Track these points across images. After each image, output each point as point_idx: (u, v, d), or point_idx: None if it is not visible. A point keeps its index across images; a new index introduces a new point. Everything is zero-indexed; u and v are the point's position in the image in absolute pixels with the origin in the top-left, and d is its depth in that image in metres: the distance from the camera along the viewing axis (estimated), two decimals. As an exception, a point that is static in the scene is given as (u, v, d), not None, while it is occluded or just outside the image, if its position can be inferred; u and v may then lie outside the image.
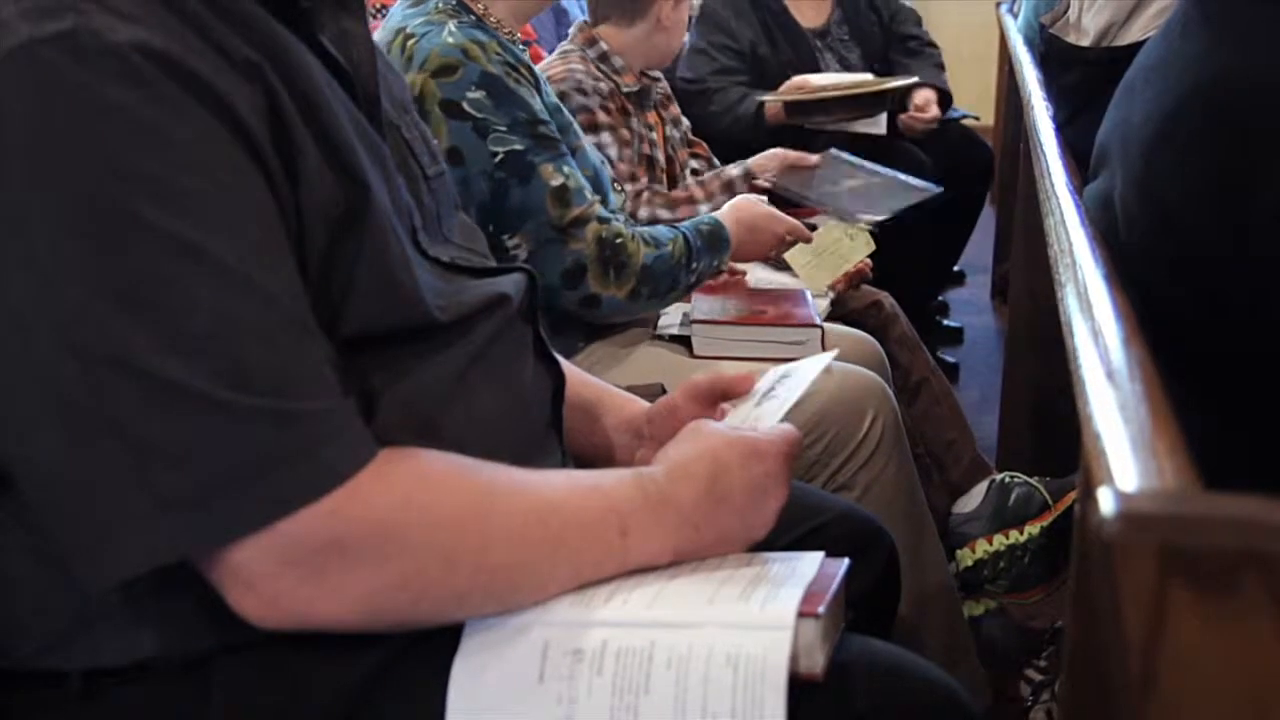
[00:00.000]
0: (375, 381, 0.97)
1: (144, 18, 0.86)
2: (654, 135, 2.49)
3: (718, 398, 1.27)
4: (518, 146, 1.81)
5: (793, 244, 2.25)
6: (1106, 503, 0.64)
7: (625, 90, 2.40)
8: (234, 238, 0.86)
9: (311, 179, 0.92)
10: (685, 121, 2.76)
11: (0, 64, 0.83)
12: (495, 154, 1.80)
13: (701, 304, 2.07)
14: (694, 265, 1.95)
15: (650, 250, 1.87)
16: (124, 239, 0.83)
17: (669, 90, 2.69)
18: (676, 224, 1.98)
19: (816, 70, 3.33)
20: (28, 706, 0.96)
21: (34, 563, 0.92)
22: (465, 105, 1.80)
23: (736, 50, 3.26)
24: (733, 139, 3.00)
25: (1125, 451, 0.75)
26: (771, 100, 3.12)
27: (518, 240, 1.83)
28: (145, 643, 0.93)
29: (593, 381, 1.35)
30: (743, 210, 2.11)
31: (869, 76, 3.23)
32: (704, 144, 2.81)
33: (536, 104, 1.85)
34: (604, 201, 1.95)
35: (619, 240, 1.84)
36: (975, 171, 3.64)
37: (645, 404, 1.32)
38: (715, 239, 1.99)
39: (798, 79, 3.17)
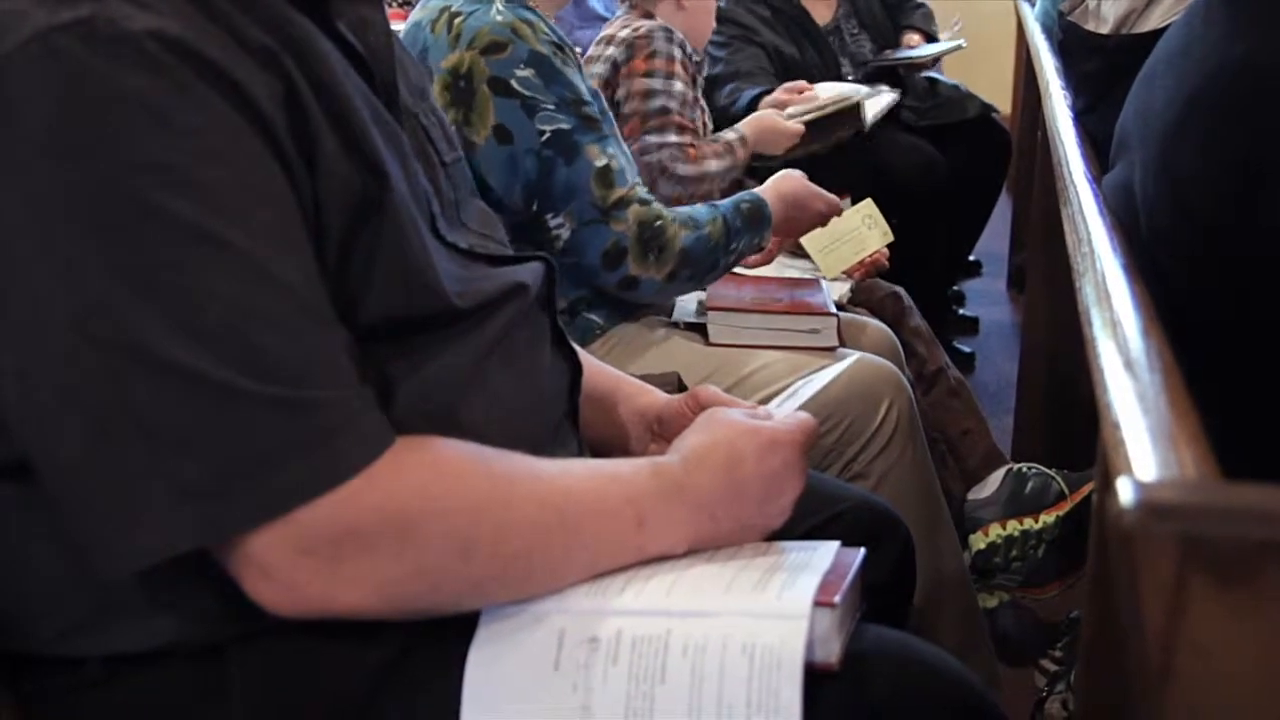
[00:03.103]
0: (393, 370, 0.97)
1: (160, 5, 0.86)
2: (702, 102, 2.57)
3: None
4: (564, 125, 1.82)
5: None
6: (1126, 492, 0.64)
7: (694, 57, 2.46)
8: (251, 226, 0.86)
9: (329, 166, 0.92)
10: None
11: (16, 52, 0.83)
12: (543, 132, 1.81)
13: (717, 291, 2.06)
14: (733, 245, 1.95)
15: (689, 233, 1.87)
16: (140, 228, 0.83)
17: (700, 80, 2.70)
18: (716, 204, 1.98)
19: (839, 69, 3.34)
20: (47, 691, 0.96)
21: (54, 549, 0.92)
22: (514, 83, 1.81)
23: (761, 49, 3.26)
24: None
25: (1144, 441, 0.74)
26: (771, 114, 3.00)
27: (561, 220, 1.85)
28: (164, 629, 0.93)
29: (608, 370, 1.35)
30: (784, 186, 2.09)
31: (837, 89, 3.13)
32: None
33: (581, 85, 1.87)
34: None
35: (659, 223, 1.84)
36: (993, 158, 3.63)
37: (660, 394, 1.32)
38: (756, 217, 1.98)
39: (791, 86, 3.10)
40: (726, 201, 1.99)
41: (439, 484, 0.90)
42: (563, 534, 0.94)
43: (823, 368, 1.84)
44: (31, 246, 0.83)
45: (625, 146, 2.01)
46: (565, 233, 1.84)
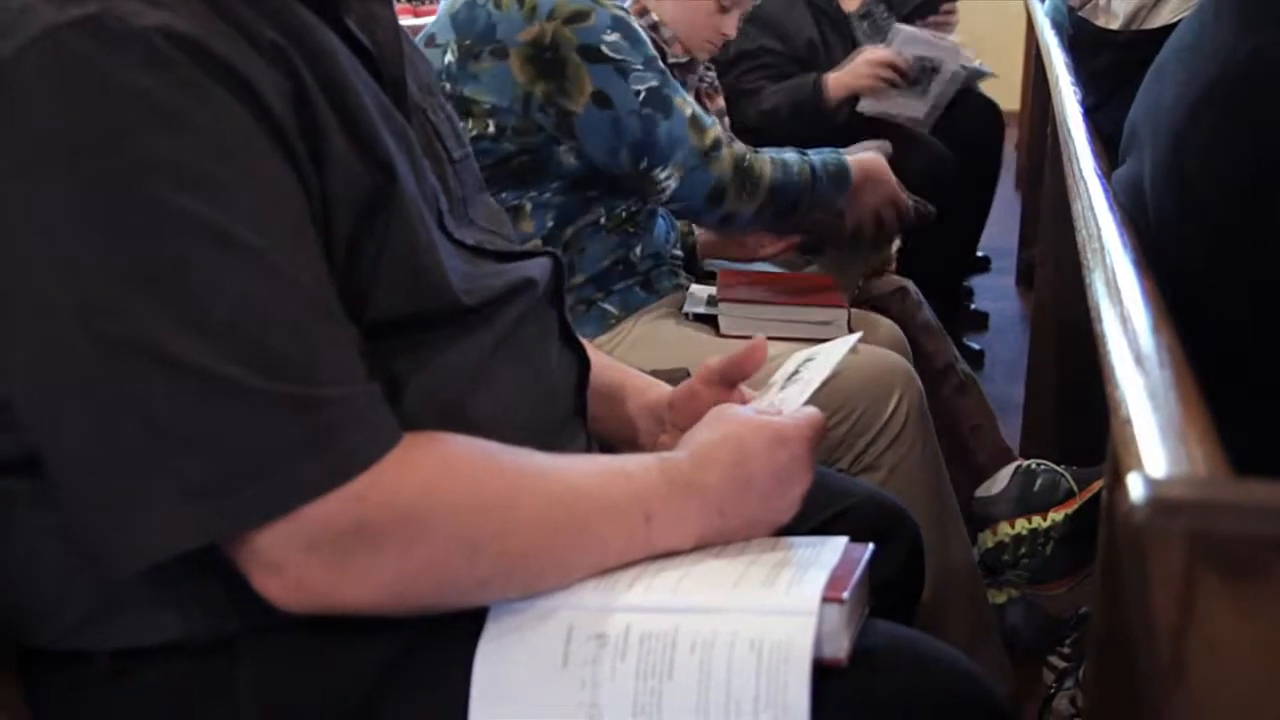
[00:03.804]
0: (401, 366, 0.97)
1: (169, 1, 0.86)
2: None
3: (734, 378, 1.26)
4: (654, 83, 1.89)
5: (903, 211, 2.26)
6: (1136, 489, 0.64)
7: (671, 61, 2.40)
8: (258, 223, 0.86)
9: (337, 163, 0.92)
10: (726, 120, 2.75)
11: (24, 49, 0.83)
12: (638, 93, 1.87)
13: (728, 283, 2.06)
14: (817, 191, 2.04)
15: (778, 169, 1.97)
16: (148, 225, 0.83)
17: (718, 84, 2.68)
18: (806, 152, 2.06)
19: None
20: (56, 686, 0.97)
21: (62, 544, 0.92)
22: (604, 49, 1.86)
23: (787, 54, 3.26)
24: (783, 133, 3.02)
25: (1154, 437, 0.74)
26: (836, 77, 3.16)
27: (669, 171, 1.91)
28: (172, 624, 0.94)
29: (616, 365, 1.35)
30: (868, 161, 2.16)
31: None
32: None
33: (651, 44, 1.94)
34: None
35: (748, 160, 1.95)
36: (989, 134, 3.62)
37: (668, 388, 1.32)
38: (840, 178, 2.07)
39: (867, 52, 3.22)
40: (814, 153, 2.08)
41: (447, 481, 0.90)
42: (570, 531, 0.93)
43: (824, 340, 1.87)
44: (39, 244, 0.83)
45: None
46: (673, 183, 1.91)
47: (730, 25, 2.41)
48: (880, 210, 2.21)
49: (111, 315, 0.82)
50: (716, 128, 1.94)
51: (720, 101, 2.68)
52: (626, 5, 2.40)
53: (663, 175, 1.91)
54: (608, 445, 1.28)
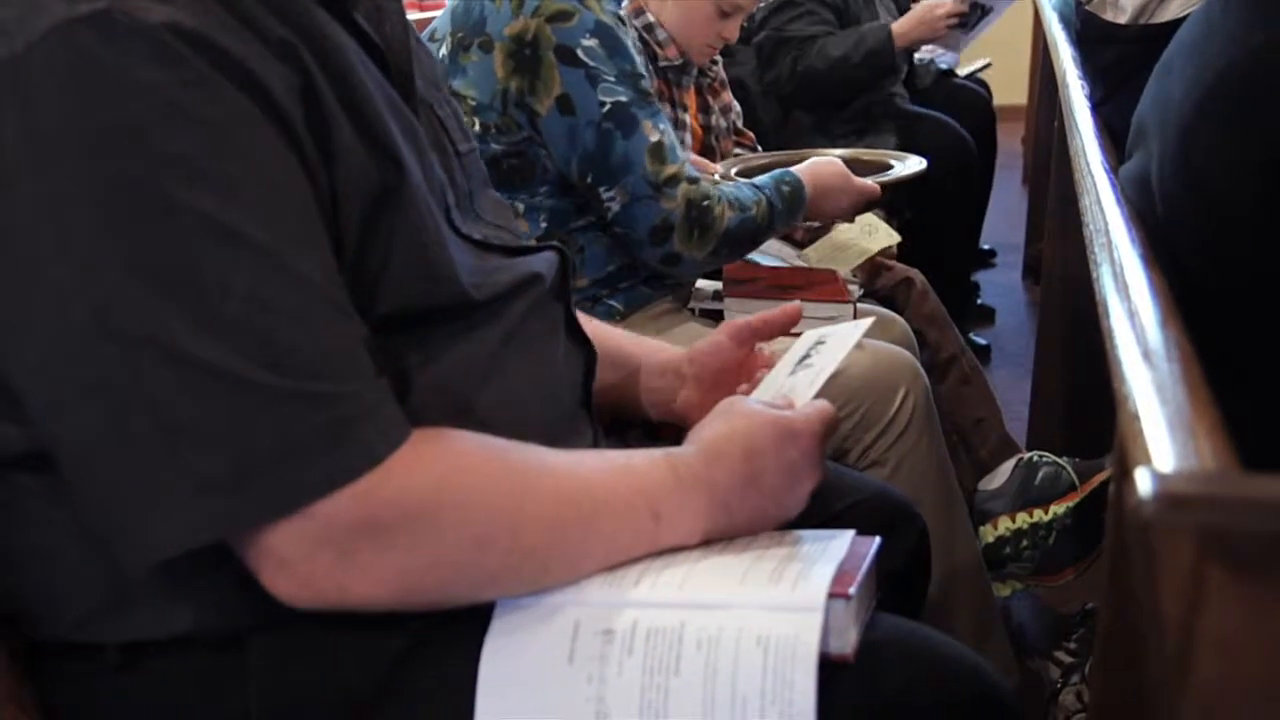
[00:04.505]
0: (409, 361, 0.97)
1: None
2: (685, 116, 2.46)
3: (763, 335, 1.29)
4: (623, 98, 1.82)
5: (867, 208, 2.22)
6: (1144, 483, 0.64)
7: (663, 64, 2.38)
8: (267, 219, 0.86)
9: (346, 158, 0.92)
10: (738, 110, 2.73)
11: (35, 45, 0.83)
12: (604, 104, 1.82)
13: (734, 278, 2.06)
14: (773, 225, 1.98)
15: (735, 214, 1.89)
16: (157, 222, 0.83)
17: (724, 77, 2.66)
18: (758, 183, 1.99)
19: (876, 16, 3.41)
20: (66, 677, 0.97)
21: (74, 538, 0.92)
22: (579, 53, 1.81)
23: (829, 4, 3.31)
24: (845, 81, 3.15)
25: (1162, 432, 0.74)
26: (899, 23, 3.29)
27: (614, 193, 1.85)
28: (182, 617, 0.94)
29: (621, 333, 1.36)
30: (820, 172, 2.09)
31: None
32: (751, 135, 2.79)
33: (638, 58, 1.88)
34: None
35: (706, 203, 1.86)
36: (980, 118, 3.64)
37: (678, 349, 1.33)
38: (795, 200, 2.01)
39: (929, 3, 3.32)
40: (767, 179, 2.01)
41: (455, 477, 0.90)
42: (578, 528, 0.94)
43: (834, 319, 1.86)
44: (50, 241, 0.83)
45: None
46: (616, 206, 1.85)
47: (731, 30, 2.38)
48: (853, 210, 2.16)
49: (122, 312, 0.83)
50: (682, 165, 1.86)
51: (726, 97, 2.66)
52: (623, 6, 2.38)
53: (606, 195, 1.85)
54: (618, 410, 1.28)
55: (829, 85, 3.21)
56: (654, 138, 1.83)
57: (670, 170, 1.84)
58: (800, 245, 2.41)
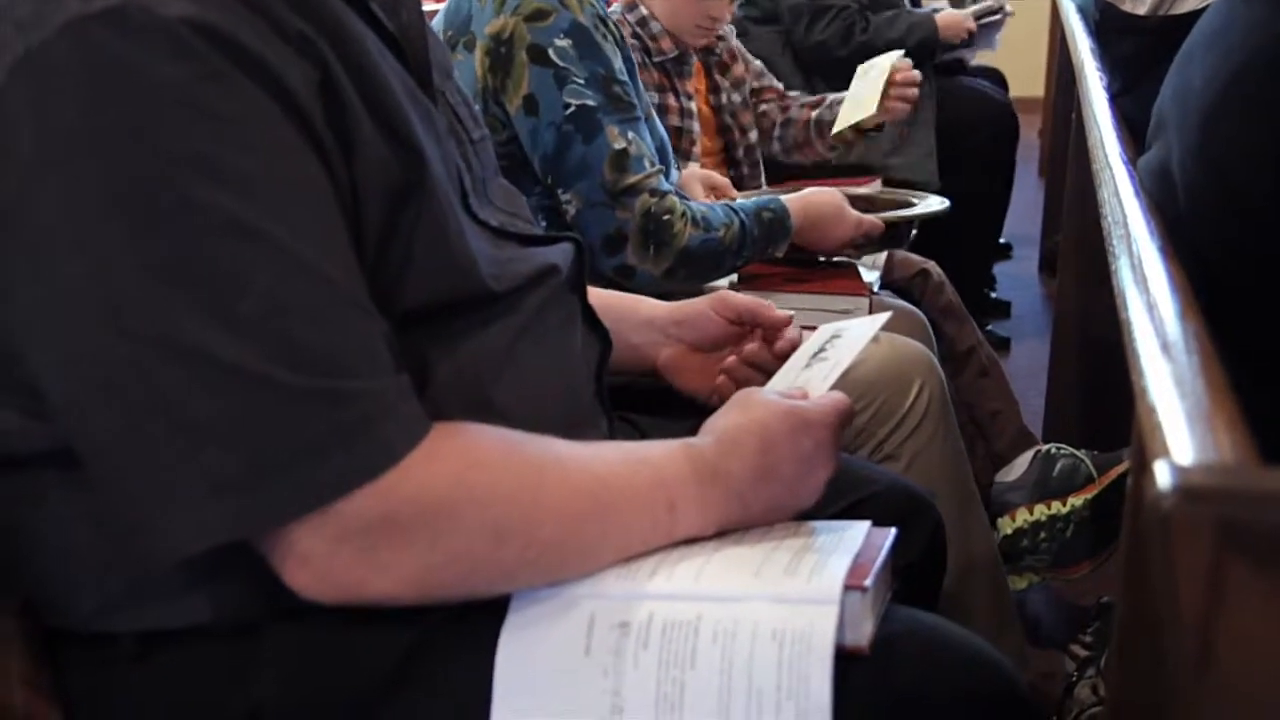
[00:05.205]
0: (429, 354, 0.97)
1: None
2: (691, 105, 2.44)
3: (745, 321, 1.30)
4: (590, 102, 1.79)
5: (864, 244, 2.12)
6: (1163, 476, 0.63)
7: (657, 60, 2.35)
8: (286, 216, 0.86)
9: (366, 152, 0.92)
10: (757, 68, 2.70)
11: (50, 41, 0.82)
12: (568, 105, 1.79)
13: (749, 271, 2.05)
14: (744, 253, 1.91)
15: (698, 233, 1.83)
16: (174, 219, 0.83)
17: (733, 49, 2.63)
18: (737, 205, 1.93)
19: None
20: (82, 666, 0.97)
21: (94, 528, 0.92)
22: (550, 52, 1.79)
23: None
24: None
25: (1181, 425, 0.74)
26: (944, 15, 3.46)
27: (570, 197, 1.82)
28: (199, 607, 0.94)
29: (605, 292, 1.37)
30: (812, 203, 2.03)
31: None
32: (775, 87, 2.76)
33: (617, 63, 1.84)
34: (665, 176, 1.93)
35: (666, 217, 1.81)
36: (999, 126, 3.64)
37: (667, 305, 1.34)
38: (776, 228, 1.94)
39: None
40: (750, 202, 1.95)
41: (474, 472, 0.90)
42: (595, 520, 0.93)
43: (850, 312, 1.83)
44: (66, 239, 0.83)
45: (661, 128, 1.98)
46: (572, 209, 1.82)
47: (719, 8, 2.34)
48: (849, 244, 2.07)
49: (139, 311, 0.82)
50: (646, 175, 1.80)
51: (738, 69, 2.61)
52: (614, 6, 2.34)
53: (564, 198, 1.81)
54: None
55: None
56: (617, 145, 1.79)
57: (630, 180, 1.79)
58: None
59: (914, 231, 2.28)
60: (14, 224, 0.84)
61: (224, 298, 0.83)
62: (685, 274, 1.86)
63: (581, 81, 1.79)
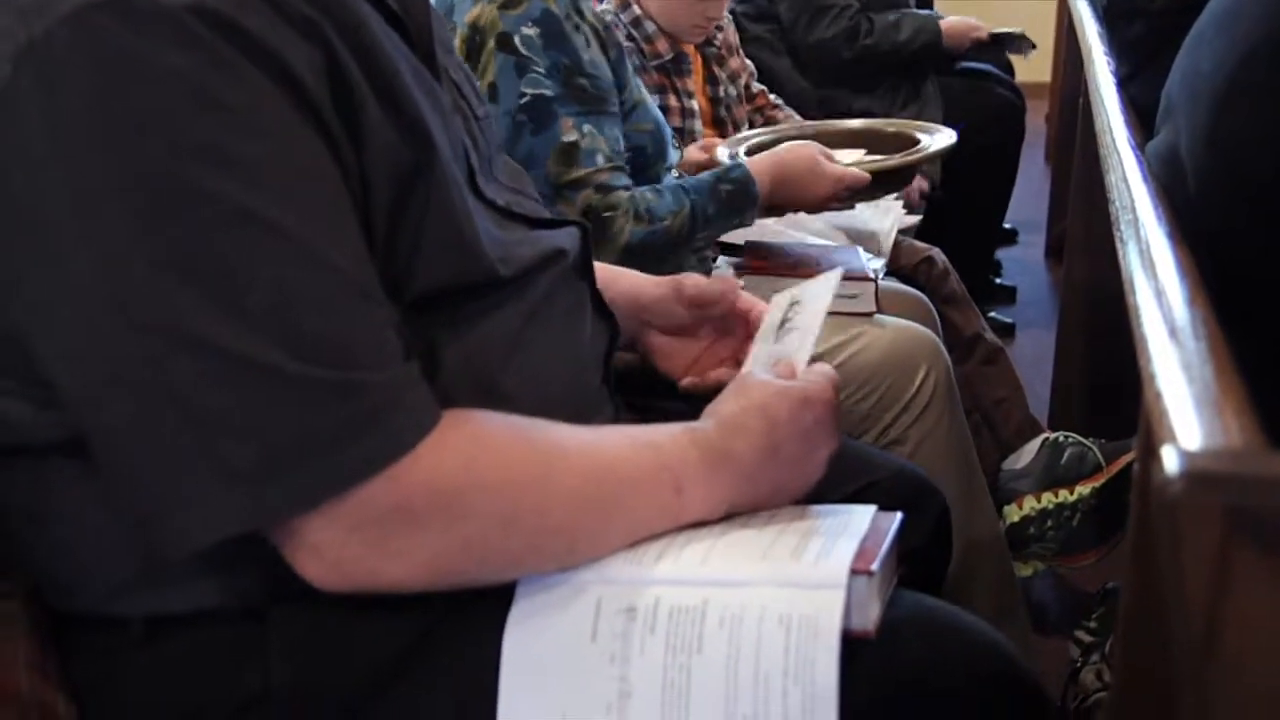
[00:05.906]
0: (439, 340, 0.97)
1: None
2: (692, 103, 2.41)
3: (694, 305, 1.29)
4: (547, 92, 1.76)
5: (848, 197, 2.04)
6: (1171, 462, 0.63)
7: (655, 62, 2.32)
8: (294, 205, 0.85)
9: (374, 137, 0.91)
10: (751, 70, 2.69)
11: (53, 31, 0.82)
12: (523, 95, 1.76)
13: (752, 260, 2.04)
14: (699, 234, 1.87)
15: (640, 228, 1.79)
16: (183, 210, 0.82)
17: (732, 42, 2.63)
18: (688, 186, 1.87)
19: None
20: (88, 650, 0.97)
21: (106, 514, 0.92)
22: (516, 40, 1.76)
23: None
24: (891, 66, 3.28)
25: (1189, 410, 0.73)
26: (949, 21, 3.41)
27: None
28: (208, 592, 0.94)
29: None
30: (784, 161, 1.96)
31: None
32: (767, 94, 2.76)
33: (586, 56, 1.80)
34: (661, 159, 1.92)
35: (607, 214, 1.77)
36: (1005, 116, 3.63)
37: (641, 277, 1.34)
38: (738, 198, 1.88)
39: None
40: (705, 178, 1.89)
41: (484, 459, 0.90)
42: (603, 506, 0.93)
43: (851, 314, 1.82)
44: (75, 232, 0.83)
45: (655, 113, 1.95)
46: None
47: (715, 8, 2.31)
48: (831, 199, 1.99)
49: (148, 303, 0.82)
50: (595, 170, 1.77)
51: (734, 63, 2.60)
52: (603, 5, 2.26)
53: None
54: None
55: (886, 66, 3.29)
56: (568, 138, 1.76)
57: (576, 174, 1.76)
58: None
59: (920, 172, 2.19)
60: (23, 216, 0.84)
61: (233, 290, 0.83)
62: (634, 266, 1.83)
63: (541, 71, 1.76)
